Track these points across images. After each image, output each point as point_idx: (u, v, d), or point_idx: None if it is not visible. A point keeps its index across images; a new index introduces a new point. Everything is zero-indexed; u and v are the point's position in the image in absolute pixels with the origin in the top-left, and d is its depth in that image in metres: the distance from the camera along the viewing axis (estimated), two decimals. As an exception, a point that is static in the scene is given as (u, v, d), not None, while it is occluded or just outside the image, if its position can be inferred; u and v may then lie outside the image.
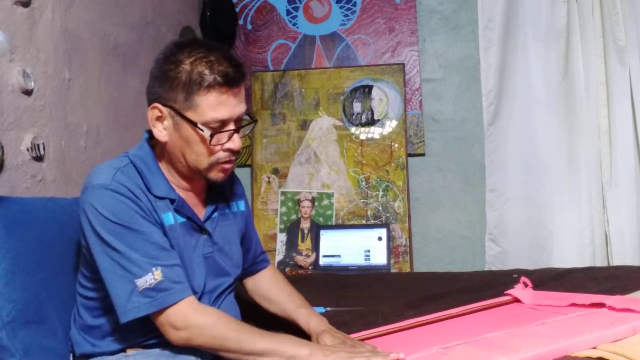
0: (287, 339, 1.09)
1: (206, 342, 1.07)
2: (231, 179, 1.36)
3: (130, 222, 1.08)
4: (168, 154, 1.18)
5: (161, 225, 1.13)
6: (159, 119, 1.14)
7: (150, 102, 1.15)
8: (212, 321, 1.07)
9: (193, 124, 1.10)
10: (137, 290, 1.05)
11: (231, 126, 1.13)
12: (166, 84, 1.11)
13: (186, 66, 1.09)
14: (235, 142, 1.14)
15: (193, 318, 1.06)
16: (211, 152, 1.13)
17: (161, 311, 1.06)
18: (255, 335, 1.07)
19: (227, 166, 1.17)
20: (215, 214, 1.26)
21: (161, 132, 1.14)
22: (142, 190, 1.13)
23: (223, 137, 1.13)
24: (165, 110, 1.13)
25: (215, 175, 1.17)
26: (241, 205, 1.36)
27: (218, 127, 1.11)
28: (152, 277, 1.05)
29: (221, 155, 1.14)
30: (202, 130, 1.10)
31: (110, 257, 1.07)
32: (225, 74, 1.09)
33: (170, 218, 1.16)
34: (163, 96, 1.12)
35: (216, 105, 1.10)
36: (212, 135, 1.10)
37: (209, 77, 1.08)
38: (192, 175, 1.19)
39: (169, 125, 1.13)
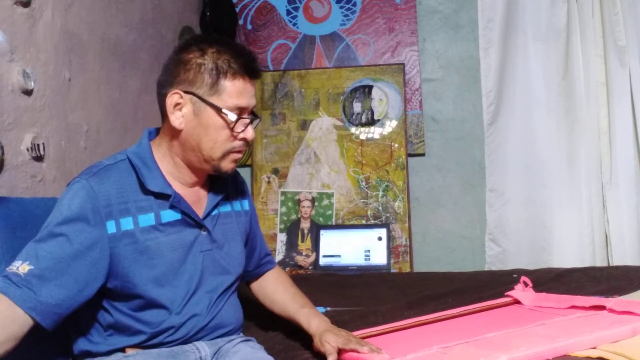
0: None
1: None
2: (236, 178, 1.36)
3: (72, 219, 1.08)
4: (180, 144, 1.18)
5: (117, 233, 1.11)
6: (178, 106, 1.15)
7: (166, 91, 1.16)
8: None
9: (217, 108, 1.13)
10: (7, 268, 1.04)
11: (246, 116, 1.18)
12: (190, 71, 1.14)
13: (212, 54, 1.14)
14: (250, 132, 1.19)
15: None
16: (231, 138, 1.17)
17: None
18: None
19: (238, 156, 1.21)
20: (216, 211, 1.26)
21: (178, 119, 1.15)
22: (124, 190, 1.13)
23: (240, 125, 1.17)
24: (186, 96, 1.14)
25: (227, 165, 1.19)
26: (245, 205, 1.36)
27: (237, 115, 1.16)
28: (17, 266, 1.03)
29: (236, 144, 1.18)
30: (226, 114, 1.14)
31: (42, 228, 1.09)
32: (247, 65, 1.15)
33: (150, 219, 1.15)
34: (184, 83, 1.14)
35: (240, 92, 1.15)
36: (236, 120, 1.15)
37: (235, 65, 1.14)
38: (202, 166, 1.19)
39: (188, 112, 1.15)
